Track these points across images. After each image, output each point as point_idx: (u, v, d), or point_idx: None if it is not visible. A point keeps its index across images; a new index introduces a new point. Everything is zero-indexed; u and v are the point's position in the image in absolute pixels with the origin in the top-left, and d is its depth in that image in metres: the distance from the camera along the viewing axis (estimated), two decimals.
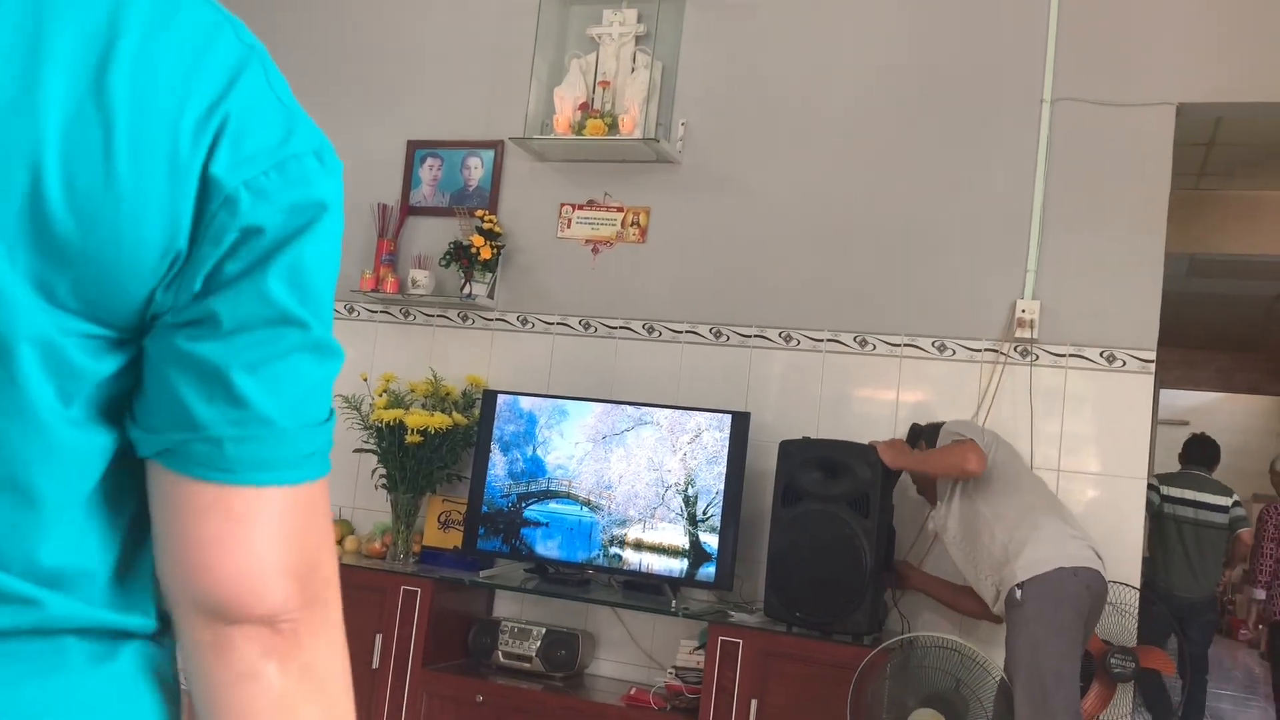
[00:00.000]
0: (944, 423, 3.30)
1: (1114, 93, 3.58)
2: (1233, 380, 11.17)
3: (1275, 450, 11.50)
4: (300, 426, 0.66)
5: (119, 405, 0.65)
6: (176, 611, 0.66)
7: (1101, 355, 3.51)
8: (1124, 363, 3.48)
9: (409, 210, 4.41)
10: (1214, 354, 10.85)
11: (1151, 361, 3.48)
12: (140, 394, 0.65)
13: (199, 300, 0.62)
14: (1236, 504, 5.53)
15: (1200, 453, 5.56)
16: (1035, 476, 3.29)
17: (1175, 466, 5.81)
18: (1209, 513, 5.29)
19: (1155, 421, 7.19)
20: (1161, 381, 9.05)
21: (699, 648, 3.49)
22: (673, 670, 3.56)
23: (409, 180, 4.43)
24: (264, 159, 0.64)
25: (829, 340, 3.81)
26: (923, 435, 3.34)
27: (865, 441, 3.36)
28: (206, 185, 0.61)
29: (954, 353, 3.66)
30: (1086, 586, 2.91)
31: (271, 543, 0.64)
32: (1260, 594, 5.55)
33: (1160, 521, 5.26)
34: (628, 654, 3.86)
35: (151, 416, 0.64)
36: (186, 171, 0.61)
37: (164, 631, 0.69)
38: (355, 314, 4.45)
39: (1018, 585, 2.90)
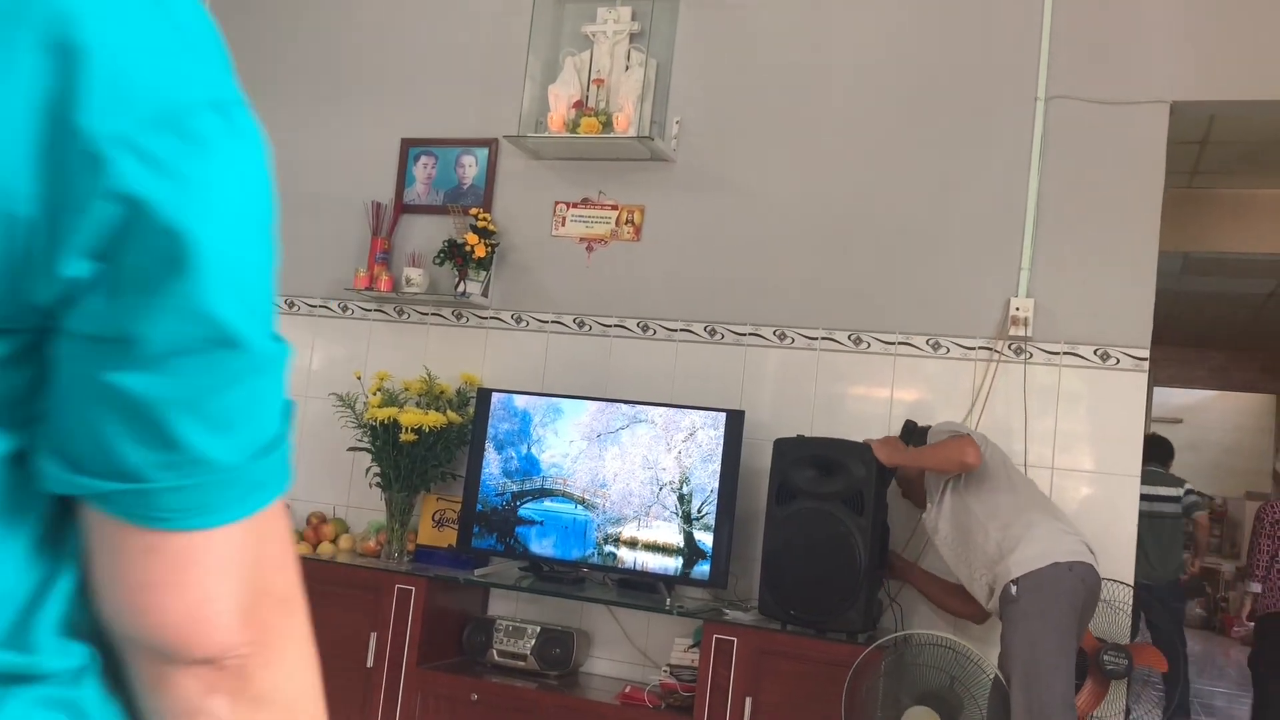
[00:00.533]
0: (930, 426, 3.32)
1: (1108, 91, 3.59)
2: (1227, 378, 11.20)
3: (1267, 447, 11.53)
4: (250, 459, 0.56)
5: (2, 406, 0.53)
6: (117, 642, 0.58)
7: (1095, 353, 3.51)
8: (1118, 360, 3.48)
9: (403, 208, 4.40)
10: (1208, 352, 10.87)
11: (1145, 359, 3.48)
12: (51, 416, 0.53)
13: (110, 310, 0.50)
14: (1189, 492, 6.11)
15: (1154, 451, 5.82)
16: (1025, 475, 3.30)
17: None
18: (1161, 504, 5.70)
19: (1149, 419, 7.19)
20: (1155, 379, 9.07)
21: (694, 646, 3.49)
22: (668, 668, 3.56)
23: (403, 178, 4.42)
24: (146, 105, 0.49)
25: (824, 338, 3.81)
26: (915, 435, 3.34)
27: (860, 440, 3.36)
28: (57, 128, 0.47)
29: (948, 351, 3.66)
30: (1081, 580, 2.93)
31: (218, 582, 0.56)
32: (1256, 587, 5.63)
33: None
34: (623, 652, 3.86)
35: (68, 449, 0.53)
36: (16, 99, 0.46)
37: (91, 666, 0.59)
38: (349, 312, 4.44)
39: (1013, 581, 2.91)
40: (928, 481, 3.25)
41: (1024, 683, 2.82)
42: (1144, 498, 5.00)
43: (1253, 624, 5.81)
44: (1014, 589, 2.90)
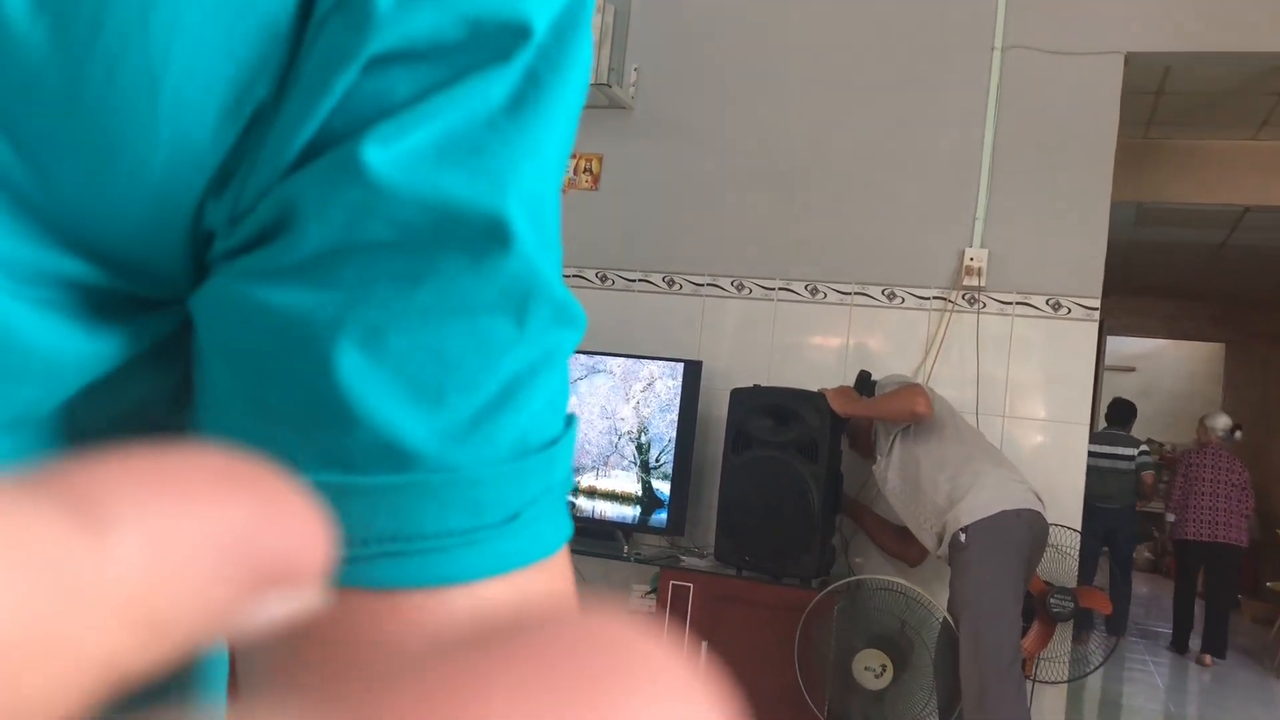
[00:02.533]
0: (881, 378, 3.37)
1: (1063, 41, 3.60)
2: (1178, 327, 11.38)
3: (1217, 395, 11.78)
4: (504, 461, 0.34)
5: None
6: None
7: (1047, 303, 3.56)
8: (1069, 310, 3.53)
9: None
10: (1161, 301, 11.04)
11: (1096, 309, 3.53)
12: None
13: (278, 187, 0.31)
14: (1143, 453, 7.20)
15: (1118, 414, 7.22)
16: (972, 426, 3.35)
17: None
18: (1117, 461, 6.94)
19: (1102, 368, 7.32)
20: (1109, 329, 9.21)
21: (650, 592, 3.54)
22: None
23: None
24: None
25: (781, 289, 3.82)
26: (868, 386, 3.38)
27: (816, 389, 3.40)
28: None
29: (903, 301, 3.69)
30: (1029, 527, 2.99)
31: None
32: (1171, 517, 7.07)
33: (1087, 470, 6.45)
34: (580, 599, 3.89)
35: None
36: None
37: None
38: None
39: (961, 530, 2.97)
40: (877, 433, 3.29)
41: (972, 627, 2.89)
42: (1103, 455, 6.72)
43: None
44: (963, 537, 2.96)
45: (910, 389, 3.15)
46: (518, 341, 0.33)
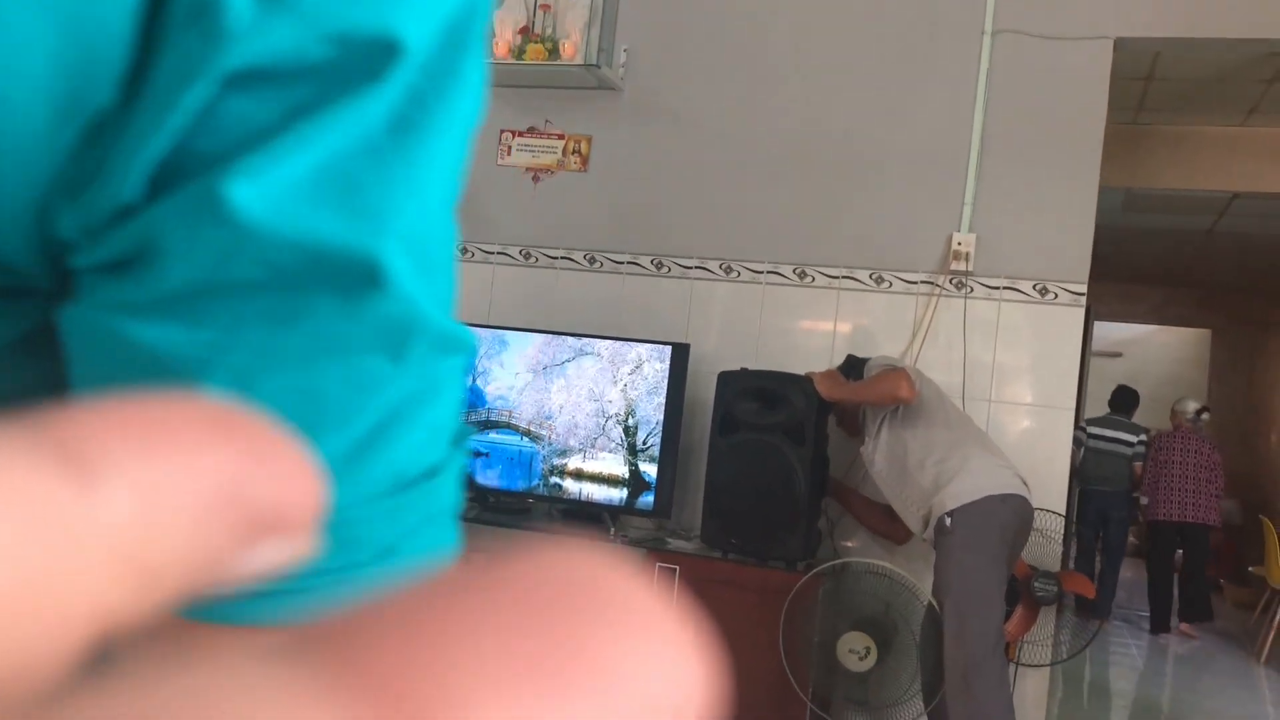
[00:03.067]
0: (869, 360, 3.37)
1: (1053, 26, 3.59)
2: (1166, 313, 11.42)
3: (1203, 381, 11.83)
4: (380, 496, 0.33)
5: None
6: None
7: (1034, 288, 3.56)
8: (1056, 295, 3.54)
9: None
10: (1148, 287, 11.07)
11: (1083, 295, 3.54)
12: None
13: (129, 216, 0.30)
14: (1141, 442, 7.34)
15: (1122, 400, 7.49)
16: (960, 409, 3.35)
17: (1107, 394, 7.65)
18: (1118, 445, 7.19)
19: (1089, 353, 7.35)
20: (1096, 314, 9.23)
21: None
22: None
23: None
24: None
25: (769, 272, 3.82)
26: (855, 368, 3.39)
27: (804, 373, 3.40)
28: None
29: (891, 285, 3.69)
30: (1014, 512, 3.00)
31: None
32: (1144, 499, 7.32)
33: (1086, 451, 7.09)
34: None
35: None
36: None
37: None
38: None
39: (947, 514, 2.97)
40: (865, 414, 3.30)
41: (956, 611, 2.91)
42: (1106, 439, 7.17)
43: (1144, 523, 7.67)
44: (948, 521, 2.96)
45: (894, 373, 3.15)
46: (394, 377, 0.33)
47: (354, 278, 0.31)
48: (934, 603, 3.01)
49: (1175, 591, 7.48)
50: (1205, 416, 7.70)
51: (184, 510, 0.12)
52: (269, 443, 0.13)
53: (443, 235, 0.35)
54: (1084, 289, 3.54)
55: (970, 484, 2.98)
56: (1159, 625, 7.37)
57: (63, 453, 0.12)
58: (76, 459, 0.12)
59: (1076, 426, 6.56)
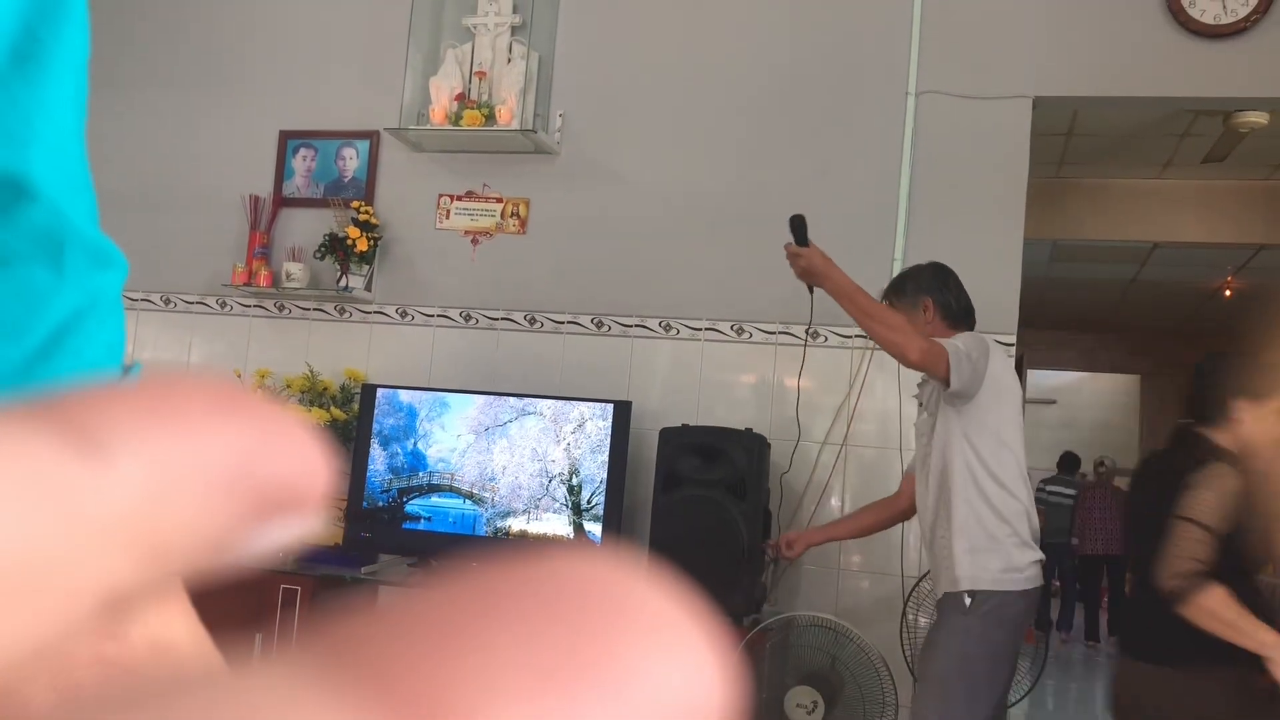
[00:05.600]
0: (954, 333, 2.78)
1: (974, 86, 3.72)
2: (1095, 360, 11.70)
3: (1134, 424, 12.09)
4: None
5: None
6: None
7: (993, 341, 3.63)
8: None
9: (282, 202, 4.32)
10: (1078, 335, 11.35)
11: (1013, 345, 3.63)
12: None
13: None
14: (1073, 496, 9.69)
15: (1067, 463, 9.95)
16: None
17: (1043, 441, 10.49)
18: (1063, 499, 9.57)
19: (1024, 401, 7.49)
20: (1029, 362, 9.45)
21: None
22: None
23: (281, 171, 4.34)
24: None
25: (707, 329, 3.87)
26: (802, 233, 2.73)
27: (744, 428, 3.42)
28: None
29: (826, 339, 3.75)
30: (1028, 606, 2.69)
31: None
32: (1075, 540, 9.51)
33: (1043, 505, 8.83)
34: None
35: None
36: None
37: None
38: (228, 308, 4.34)
39: (969, 592, 2.61)
40: (922, 386, 2.84)
41: (940, 699, 2.62)
42: (1058, 494, 9.55)
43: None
44: (968, 600, 2.62)
45: (939, 347, 2.57)
46: (59, 288, 0.34)
47: (6, 192, 0.33)
48: (916, 675, 2.79)
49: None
50: (1105, 466, 9.89)
51: (193, 488, 0.12)
52: (277, 422, 0.13)
53: (81, 156, 0.37)
54: (1013, 339, 3.63)
55: (1012, 565, 2.61)
56: (1091, 635, 9.37)
57: (74, 431, 0.12)
58: (87, 437, 0.12)
59: (1038, 487, 9.31)
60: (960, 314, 2.85)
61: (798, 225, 2.77)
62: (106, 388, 0.13)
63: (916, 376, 3.43)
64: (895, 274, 3.23)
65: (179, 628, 0.35)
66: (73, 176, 0.36)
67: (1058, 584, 9.33)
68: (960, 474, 2.66)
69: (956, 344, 2.62)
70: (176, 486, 0.12)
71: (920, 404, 2.90)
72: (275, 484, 0.13)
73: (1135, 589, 2.71)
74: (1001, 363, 2.72)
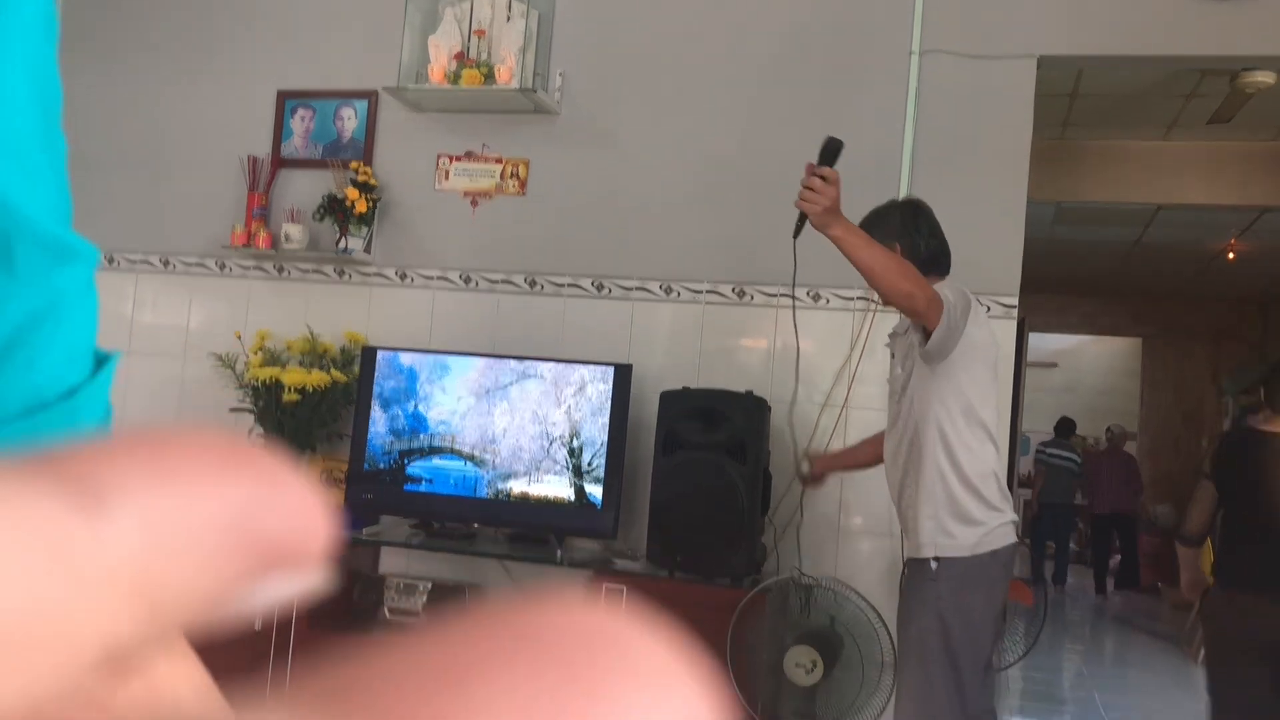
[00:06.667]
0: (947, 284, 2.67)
1: (979, 46, 3.68)
2: (1098, 323, 11.68)
3: (1135, 389, 12.09)
4: (15, 418, 0.34)
5: None
6: None
7: (973, 295, 3.62)
8: (989, 309, 3.60)
9: (280, 163, 4.29)
10: (1080, 298, 11.32)
11: (1014, 307, 3.62)
12: None
13: None
14: (1078, 462, 10.20)
15: (1064, 427, 10.30)
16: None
17: (1044, 405, 11.15)
18: (1062, 461, 10.05)
19: (1024, 364, 7.48)
20: (1031, 325, 9.44)
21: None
22: None
23: (280, 132, 4.30)
24: None
25: (709, 291, 3.85)
26: (832, 155, 2.50)
27: (744, 390, 3.42)
28: None
29: (828, 301, 3.74)
30: (1003, 566, 2.65)
31: None
32: (1086, 502, 10.25)
33: (1044, 466, 10.02)
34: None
35: None
36: None
37: None
38: (227, 270, 4.32)
39: (935, 559, 2.58)
40: (895, 338, 2.75)
41: (921, 666, 2.58)
42: (1055, 456, 10.05)
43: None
44: (934, 565, 2.57)
45: (937, 298, 2.45)
46: (11, 290, 0.32)
47: None
48: (894, 645, 2.76)
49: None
50: (1113, 432, 10.37)
51: (193, 543, 0.12)
52: (277, 477, 0.13)
53: (42, 142, 0.34)
54: (1015, 301, 3.62)
55: (978, 532, 2.56)
56: (1100, 589, 9.90)
57: (73, 485, 0.12)
58: (87, 491, 0.12)
59: (1037, 450, 10.27)
60: (930, 258, 2.70)
61: (833, 150, 2.52)
62: (106, 441, 0.13)
63: None
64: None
65: (183, 680, 0.31)
66: (26, 169, 0.33)
67: (1052, 544, 9.99)
68: (930, 436, 2.60)
69: (948, 295, 2.53)
70: (175, 541, 0.12)
71: (892, 355, 2.80)
72: (274, 539, 0.13)
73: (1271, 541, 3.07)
74: (979, 321, 2.64)
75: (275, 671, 3.55)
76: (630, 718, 0.11)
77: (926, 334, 2.54)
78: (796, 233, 2.71)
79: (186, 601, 0.13)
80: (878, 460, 3.10)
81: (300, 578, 0.14)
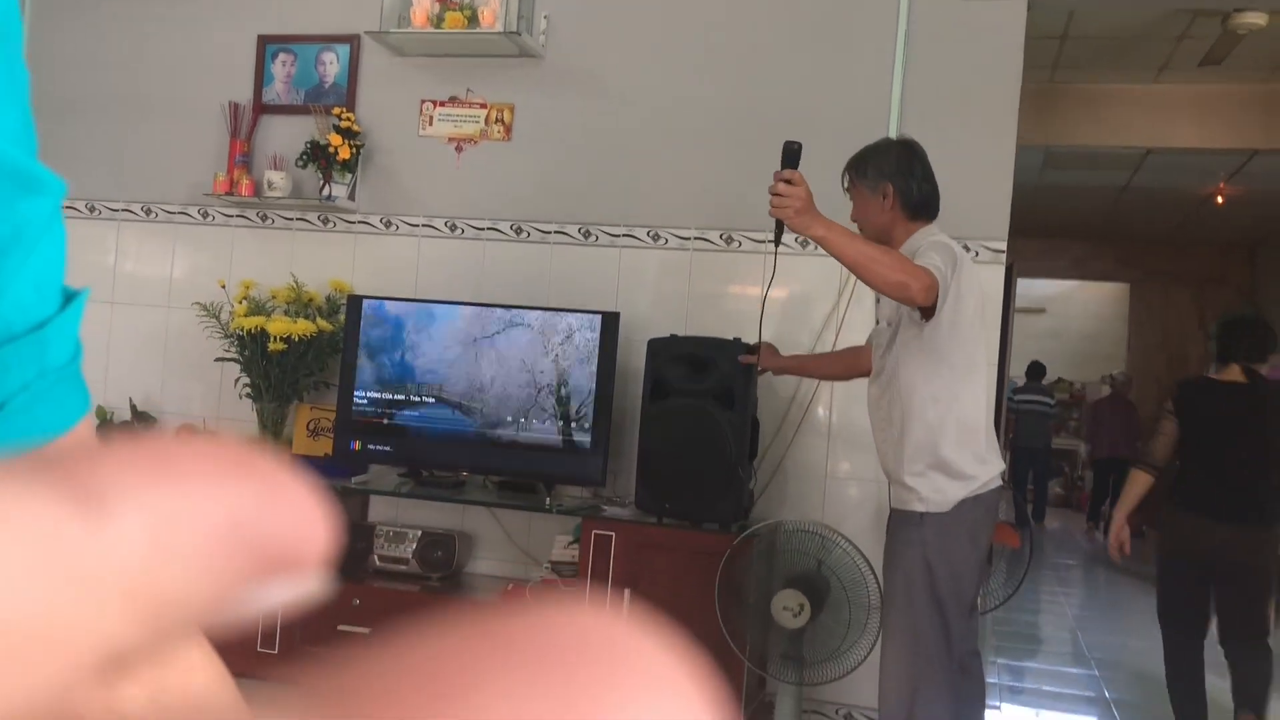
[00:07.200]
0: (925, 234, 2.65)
1: None
2: (1086, 268, 11.68)
3: (1123, 334, 12.13)
4: None
5: None
6: None
7: (959, 245, 3.61)
8: (977, 254, 3.60)
9: (262, 109, 4.23)
10: (1069, 243, 11.31)
11: (1003, 251, 3.61)
12: None
13: None
14: (1058, 403, 10.76)
15: (1035, 372, 10.45)
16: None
17: (1031, 350, 10.93)
18: (1036, 405, 10.23)
19: (1013, 309, 7.49)
20: (1019, 271, 9.43)
21: (573, 542, 3.56)
22: (549, 565, 3.63)
23: (261, 77, 4.24)
24: None
25: (696, 238, 3.83)
26: (794, 158, 2.50)
27: (731, 337, 3.41)
28: None
29: (816, 247, 3.71)
30: (987, 510, 2.65)
31: None
32: (1085, 447, 10.74)
33: (1016, 413, 9.93)
34: (504, 552, 3.91)
35: None
36: None
37: None
38: (210, 218, 4.28)
39: (922, 514, 2.57)
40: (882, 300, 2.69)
41: (907, 612, 2.58)
42: (1028, 401, 10.21)
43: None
44: (920, 508, 2.58)
45: (923, 271, 2.41)
46: None
47: None
48: (880, 586, 2.78)
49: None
50: (1115, 379, 10.42)
51: (194, 548, 0.12)
52: (279, 482, 0.13)
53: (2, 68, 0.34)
54: (1004, 246, 3.61)
55: (959, 483, 2.56)
56: (1093, 517, 10.13)
57: (76, 489, 0.12)
58: (89, 494, 0.12)
59: (1009, 396, 9.84)
60: (921, 203, 2.67)
61: (792, 153, 2.54)
62: (111, 444, 0.13)
63: None
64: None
65: (198, 675, 0.31)
66: None
67: (1031, 487, 10.22)
68: (917, 391, 2.58)
69: (937, 263, 2.49)
70: (177, 544, 0.12)
71: (877, 301, 2.76)
72: (275, 543, 0.13)
73: (1244, 472, 3.55)
74: (966, 271, 2.59)
75: (266, 623, 3.57)
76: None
77: (925, 311, 2.52)
78: (776, 240, 2.73)
79: (188, 605, 0.13)
80: (837, 377, 3.12)
81: (301, 582, 0.14)
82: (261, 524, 0.13)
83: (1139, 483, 3.76)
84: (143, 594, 0.12)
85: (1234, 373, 3.69)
